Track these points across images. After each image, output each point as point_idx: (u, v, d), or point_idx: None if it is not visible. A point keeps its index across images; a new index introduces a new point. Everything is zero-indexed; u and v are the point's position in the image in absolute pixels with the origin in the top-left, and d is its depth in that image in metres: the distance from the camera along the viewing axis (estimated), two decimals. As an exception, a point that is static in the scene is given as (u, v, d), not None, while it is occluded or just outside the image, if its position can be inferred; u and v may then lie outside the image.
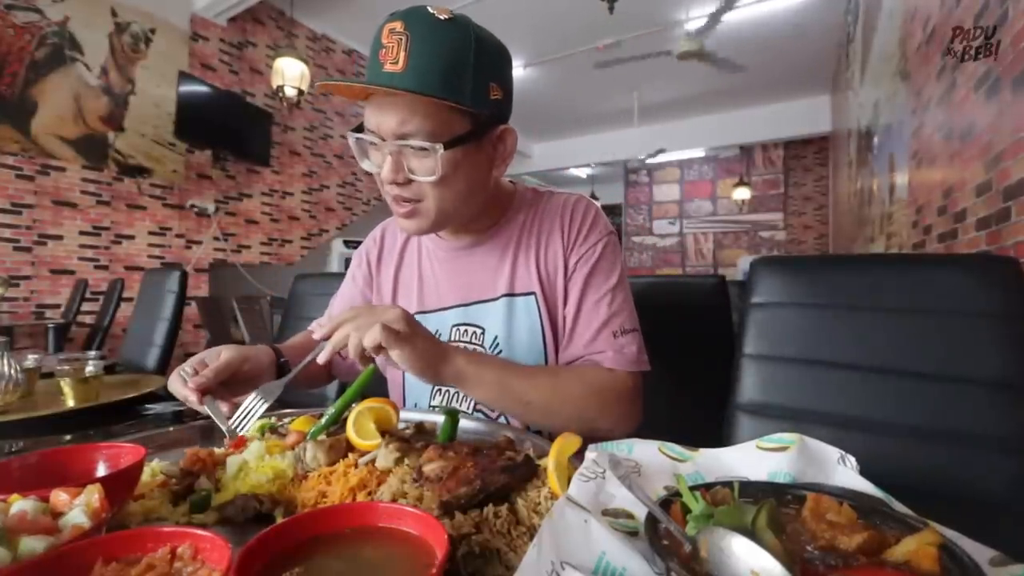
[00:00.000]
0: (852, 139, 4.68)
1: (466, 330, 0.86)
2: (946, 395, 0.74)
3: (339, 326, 0.64)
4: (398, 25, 0.66)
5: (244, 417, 0.64)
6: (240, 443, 0.62)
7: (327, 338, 0.64)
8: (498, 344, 0.84)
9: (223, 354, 0.71)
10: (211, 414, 0.65)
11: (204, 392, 0.66)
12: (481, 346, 0.85)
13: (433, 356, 0.66)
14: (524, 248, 0.86)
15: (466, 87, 0.68)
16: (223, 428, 0.63)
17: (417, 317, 0.88)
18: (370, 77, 0.68)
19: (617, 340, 0.79)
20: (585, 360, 0.79)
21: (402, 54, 0.65)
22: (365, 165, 0.76)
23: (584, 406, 0.74)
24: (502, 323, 0.84)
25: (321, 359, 0.64)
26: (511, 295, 0.84)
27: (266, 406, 0.66)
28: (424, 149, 0.69)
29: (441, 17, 0.68)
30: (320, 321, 1.02)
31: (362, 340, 0.61)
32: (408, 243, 0.96)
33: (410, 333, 0.63)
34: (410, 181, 0.72)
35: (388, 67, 0.66)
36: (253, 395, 0.67)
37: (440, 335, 0.87)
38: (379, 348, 0.61)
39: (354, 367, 0.96)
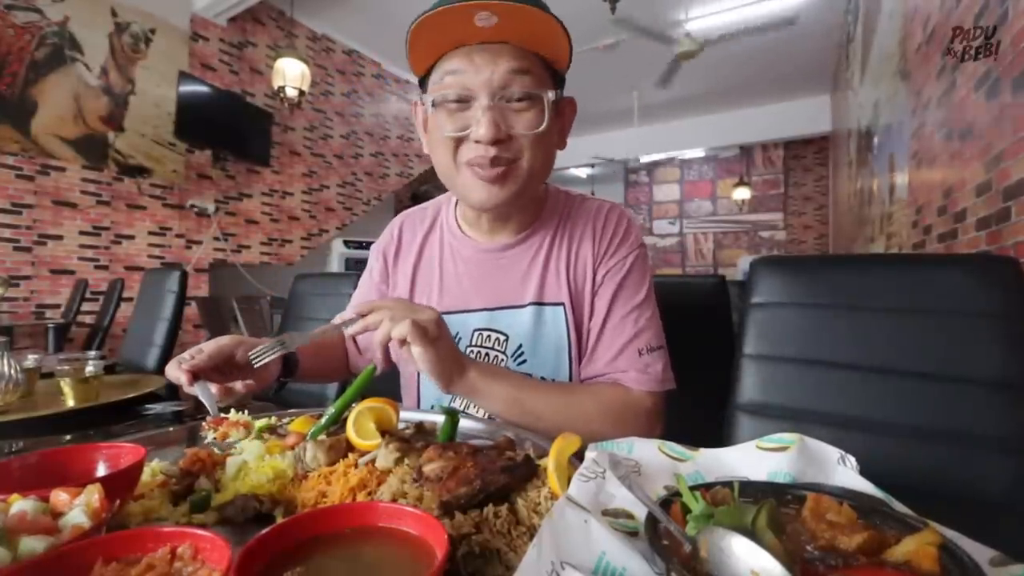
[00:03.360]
0: (852, 139, 4.68)
1: (489, 336, 0.83)
2: (946, 395, 0.74)
3: (376, 309, 0.64)
4: None
5: (259, 355, 0.66)
6: (219, 422, 0.64)
7: (362, 316, 0.65)
8: (522, 353, 0.82)
9: (219, 340, 0.72)
10: (199, 395, 0.67)
11: (195, 375, 0.67)
12: (503, 353, 0.82)
13: (451, 363, 0.66)
14: (555, 256, 0.83)
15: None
16: (209, 408, 0.66)
17: None
18: (465, 31, 0.66)
19: (642, 359, 0.77)
20: (606, 378, 0.78)
21: (501, 7, 0.63)
22: (445, 133, 0.72)
23: (598, 425, 0.72)
24: (528, 332, 0.81)
25: (352, 330, 0.65)
26: (540, 304, 0.82)
27: (280, 351, 0.67)
28: (531, 98, 0.68)
29: None
30: (342, 315, 1.02)
31: (391, 330, 0.62)
32: (428, 239, 0.92)
33: (437, 336, 0.64)
34: (511, 138, 0.70)
35: (485, 20, 0.64)
36: (275, 339, 0.68)
37: (460, 339, 0.84)
38: (403, 342, 0.62)
39: (371, 361, 0.96)
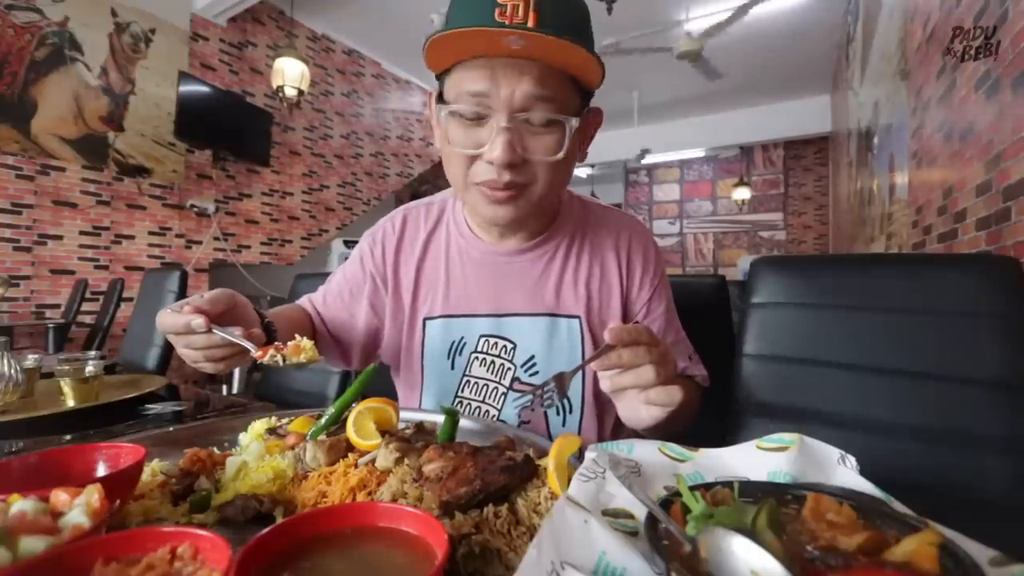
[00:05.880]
0: (852, 139, 4.68)
1: (496, 343, 0.81)
2: (946, 395, 0.74)
3: (637, 345, 0.53)
4: None
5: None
6: (274, 347, 0.61)
7: (616, 343, 0.52)
8: (535, 363, 0.80)
9: (211, 292, 0.64)
10: (225, 335, 0.60)
11: (208, 319, 0.60)
12: (510, 361, 0.80)
13: None
14: (572, 268, 0.82)
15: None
16: (244, 344, 0.60)
17: (444, 321, 0.83)
18: (491, 45, 0.60)
19: (694, 360, 0.85)
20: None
21: (531, 13, 0.58)
22: (456, 148, 0.66)
23: (687, 416, 0.73)
24: (541, 343, 0.80)
25: (595, 366, 0.54)
26: (554, 315, 0.80)
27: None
28: (553, 123, 0.62)
29: None
30: (321, 293, 0.93)
31: (651, 393, 0.54)
32: (433, 236, 0.88)
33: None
34: (525, 162, 0.64)
35: (514, 41, 0.58)
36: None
37: (466, 343, 0.82)
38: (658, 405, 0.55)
39: (347, 353, 0.91)
